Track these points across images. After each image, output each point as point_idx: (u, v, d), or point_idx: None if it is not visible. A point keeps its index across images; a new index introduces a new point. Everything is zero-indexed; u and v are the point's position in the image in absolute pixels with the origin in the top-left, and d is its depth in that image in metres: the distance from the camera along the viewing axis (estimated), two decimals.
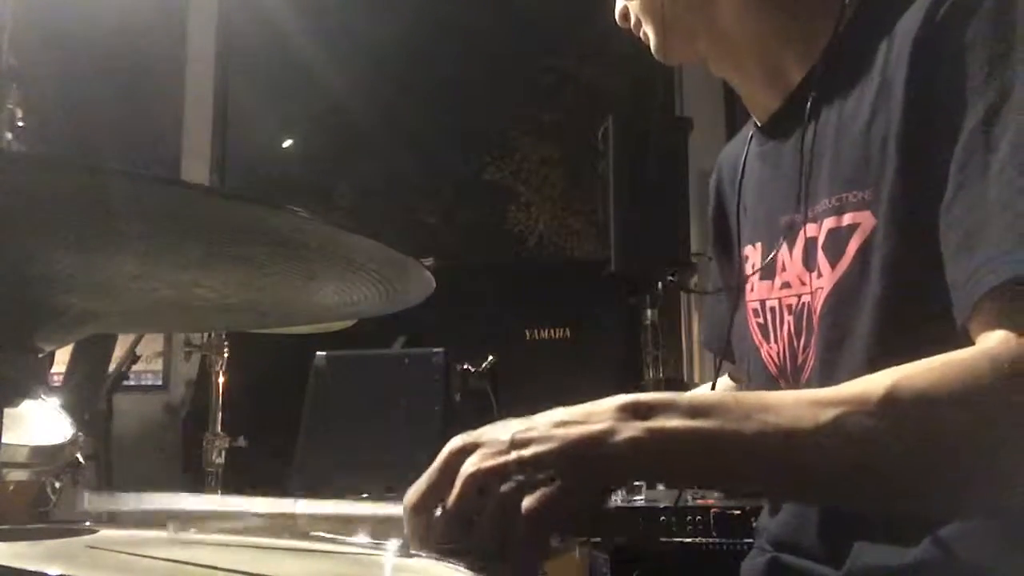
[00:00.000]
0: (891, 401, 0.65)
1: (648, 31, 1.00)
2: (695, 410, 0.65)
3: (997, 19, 0.75)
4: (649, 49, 1.01)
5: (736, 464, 0.66)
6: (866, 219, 0.82)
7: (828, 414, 0.64)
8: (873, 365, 0.80)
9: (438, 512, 0.64)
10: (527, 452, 0.63)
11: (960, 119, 0.74)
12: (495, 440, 0.65)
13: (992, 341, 0.68)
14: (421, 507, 0.65)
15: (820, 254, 0.88)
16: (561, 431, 0.64)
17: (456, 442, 0.66)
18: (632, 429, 0.63)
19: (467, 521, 0.63)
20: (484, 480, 0.63)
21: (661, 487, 2.00)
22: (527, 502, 0.61)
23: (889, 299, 0.80)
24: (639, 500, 1.82)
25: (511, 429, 0.65)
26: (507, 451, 0.63)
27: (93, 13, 3.19)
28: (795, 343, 0.93)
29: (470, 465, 0.64)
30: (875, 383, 0.66)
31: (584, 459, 0.63)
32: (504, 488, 0.62)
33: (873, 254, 0.82)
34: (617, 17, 1.04)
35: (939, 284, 0.75)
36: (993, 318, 0.69)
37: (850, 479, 0.66)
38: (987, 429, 0.65)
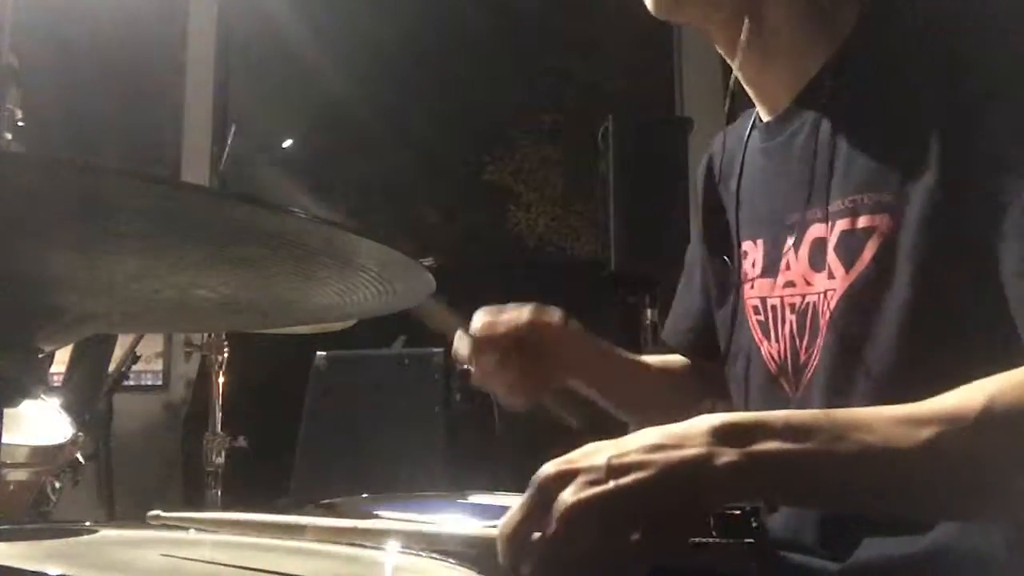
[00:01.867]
0: (989, 417, 0.65)
1: None
2: (790, 432, 0.65)
3: None
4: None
5: (833, 486, 0.66)
6: (883, 222, 0.82)
7: (925, 433, 0.65)
8: (899, 370, 0.80)
9: (536, 540, 0.63)
10: (626, 480, 0.62)
11: (1009, 145, 0.74)
12: (591, 467, 0.63)
13: None
14: (516, 536, 0.63)
15: (832, 255, 0.87)
16: (658, 456, 0.63)
17: (550, 469, 0.65)
18: (730, 454, 0.63)
19: (567, 553, 0.62)
20: (584, 511, 0.62)
21: None
22: (624, 533, 0.61)
23: (918, 306, 0.79)
24: None
25: (605, 453, 0.64)
26: (605, 479, 0.62)
27: (93, 13, 3.19)
28: (797, 342, 0.92)
29: (569, 496, 0.62)
30: (969, 399, 0.66)
31: (683, 486, 0.63)
32: (605, 519, 0.61)
33: (896, 259, 0.81)
34: None
35: (968, 287, 0.76)
36: None
37: (949, 495, 0.67)
38: None
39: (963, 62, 0.78)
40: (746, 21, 0.91)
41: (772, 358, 0.95)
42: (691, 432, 0.65)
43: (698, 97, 3.27)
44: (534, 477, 0.65)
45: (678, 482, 0.63)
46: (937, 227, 0.79)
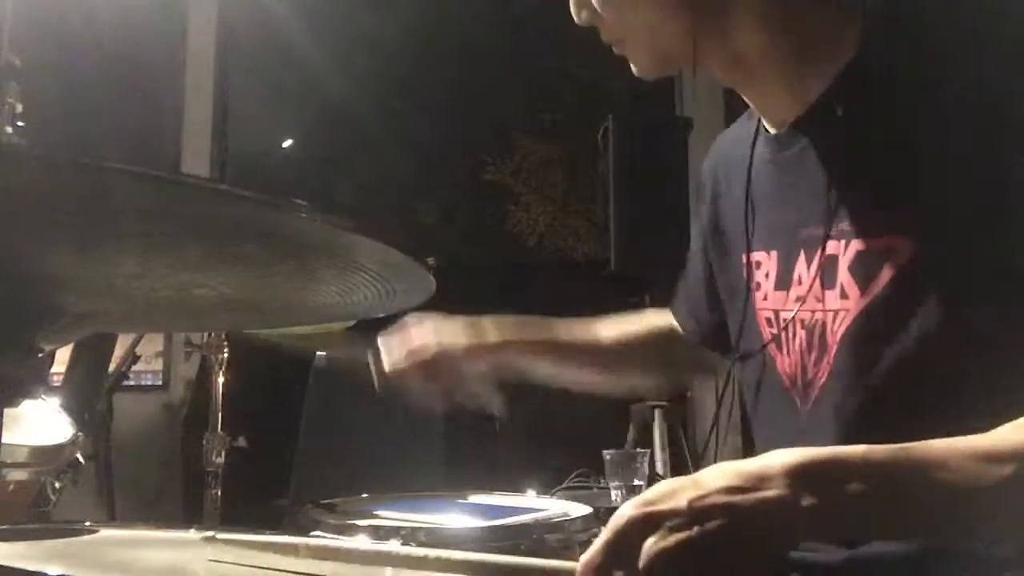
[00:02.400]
0: None
1: (636, 49, 0.94)
2: (870, 471, 0.66)
3: None
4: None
5: (915, 525, 0.68)
6: (902, 245, 0.81)
7: (1007, 470, 0.66)
8: (915, 396, 0.80)
9: None
10: (710, 526, 0.63)
11: None
12: (673, 511, 0.64)
13: None
14: None
15: (845, 275, 0.86)
16: (739, 499, 0.64)
17: (631, 512, 0.65)
18: (810, 498, 0.64)
19: None
20: (671, 559, 0.62)
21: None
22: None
23: (946, 335, 0.79)
24: None
25: (685, 495, 0.65)
26: (689, 525, 0.63)
27: (93, 12, 3.19)
28: (806, 358, 0.91)
29: (656, 545, 0.63)
30: None
31: (766, 530, 0.64)
32: (690, 565, 0.63)
33: (921, 284, 0.80)
34: (579, 17, 0.94)
35: (1006, 321, 0.75)
36: None
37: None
38: None
39: (988, 86, 0.77)
40: (733, 65, 0.92)
41: (785, 372, 0.94)
42: (768, 473, 0.65)
43: (698, 97, 3.26)
44: (613, 517, 0.66)
45: (761, 526, 0.64)
46: (968, 255, 0.77)
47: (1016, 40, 0.76)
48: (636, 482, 1.90)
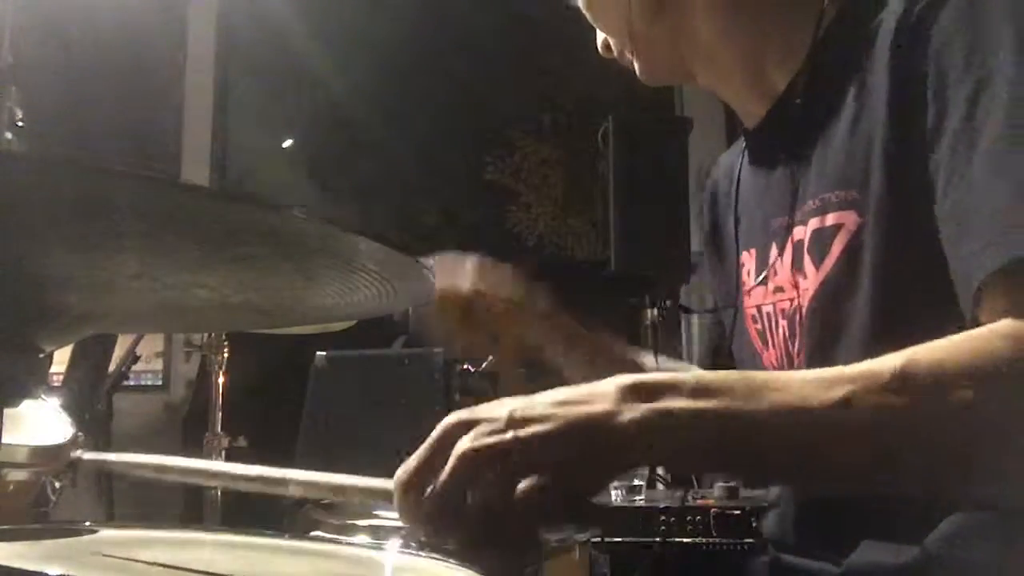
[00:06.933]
0: (904, 377, 0.63)
1: (633, 58, 1.01)
2: (700, 390, 0.63)
3: (971, 9, 0.75)
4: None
5: (741, 444, 0.64)
6: (850, 218, 0.83)
7: (838, 391, 0.63)
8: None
9: (429, 490, 0.62)
10: (525, 432, 0.61)
11: (943, 113, 0.75)
12: (492, 417, 0.62)
13: (1000, 323, 0.67)
14: (411, 485, 0.63)
15: (806, 256, 0.88)
16: (562, 410, 0.62)
17: (452, 418, 0.63)
18: (635, 410, 0.61)
19: (457, 502, 0.60)
20: (478, 460, 0.60)
21: (661, 487, 2.00)
22: (521, 488, 0.59)
23: (882, 298, 0.81)
24: (639, 500, 1.82)
25: (510, 406, 0.63)
26: (504, 430, 0.61)
27: (93, 13, 3.19)
28: (790, 347, 0.92)
29: (465, 443, 0.61)
30: (885, 362, 0.65)
31: (585, 441, 0.61)
32: (498, 470, 0.60)
33: (861, 253, 0.82)
34: (600, 49, 1.05)
35: (931, 280, 0.75)
36: (998, 303, 0.68)
37: (860, 456, 0.64)
38: (998, 405, 0.64)
39: (904, 38, 0.79)
40: (702, 61, 0.98)
41: (771, 365, 0.96)
42: (599, 390, 0.63)
43: (698, 97, 3.27)
44: (437, 427, 0.64)
45: (580, 436, 0.61)
46: (891, 219, 0.80)
47: (952, 29, 0.76)
48: (636, 481, 1.90)
